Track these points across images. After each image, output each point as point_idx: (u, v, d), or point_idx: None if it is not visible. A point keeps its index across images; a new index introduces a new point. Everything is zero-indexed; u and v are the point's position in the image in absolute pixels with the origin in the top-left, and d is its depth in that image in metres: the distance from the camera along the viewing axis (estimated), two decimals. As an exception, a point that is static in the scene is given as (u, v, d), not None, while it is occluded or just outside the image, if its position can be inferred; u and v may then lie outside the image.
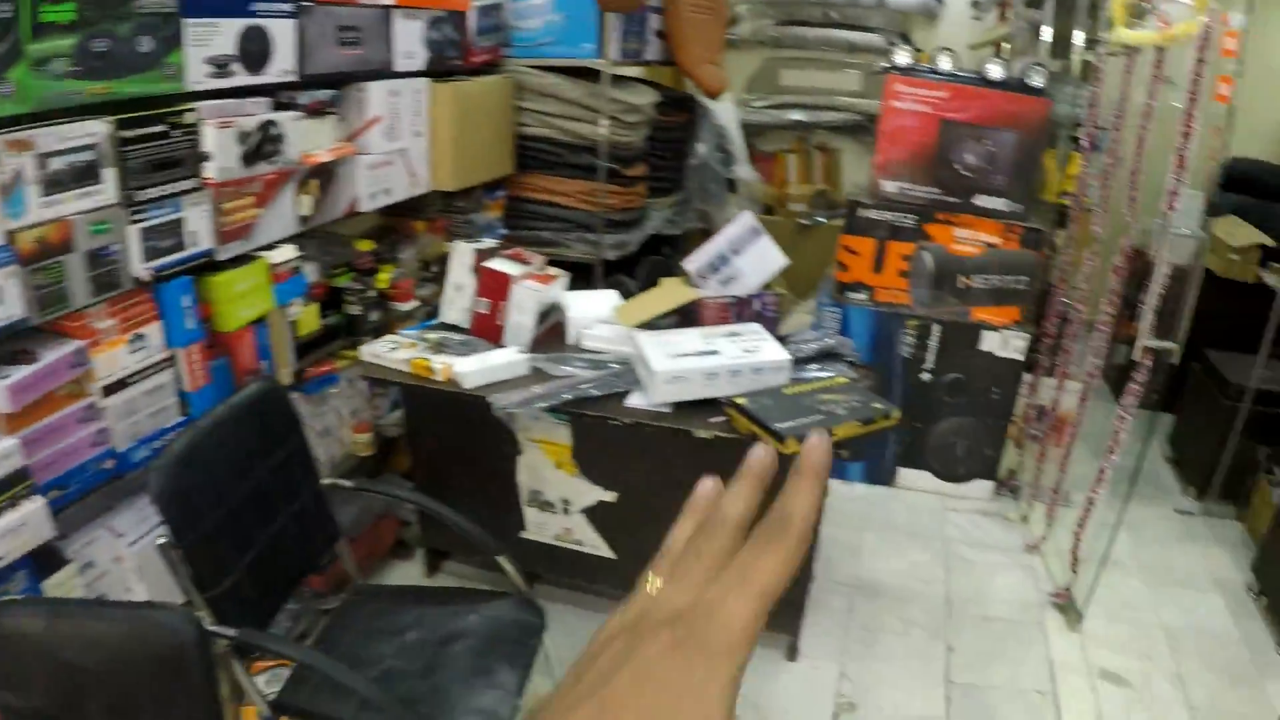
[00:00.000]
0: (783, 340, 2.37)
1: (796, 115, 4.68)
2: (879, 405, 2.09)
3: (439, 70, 2.65)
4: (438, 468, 2.54)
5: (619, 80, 3.09)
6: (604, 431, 2.14)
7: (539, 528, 2.47)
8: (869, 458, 3.38)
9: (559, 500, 2.41)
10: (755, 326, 2.42)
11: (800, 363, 2.34)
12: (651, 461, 2.24)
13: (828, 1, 4.52)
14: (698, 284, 2.69)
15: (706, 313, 2.54)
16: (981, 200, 3.01)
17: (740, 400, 2.02)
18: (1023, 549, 3.05)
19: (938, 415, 3.24)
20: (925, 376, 3.18)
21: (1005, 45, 3.83)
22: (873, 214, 3.05)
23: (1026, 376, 3.23)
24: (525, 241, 3.19)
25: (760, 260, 2.71)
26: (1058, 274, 3.14)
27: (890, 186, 3.06)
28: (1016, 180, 2.99)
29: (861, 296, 3.15)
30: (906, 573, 2.90)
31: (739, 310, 2.52)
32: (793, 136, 4.81)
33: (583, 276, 3.00)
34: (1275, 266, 3.68)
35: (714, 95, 3.69)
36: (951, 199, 3.03)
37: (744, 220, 2.72)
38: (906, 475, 3.37)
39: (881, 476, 3.39)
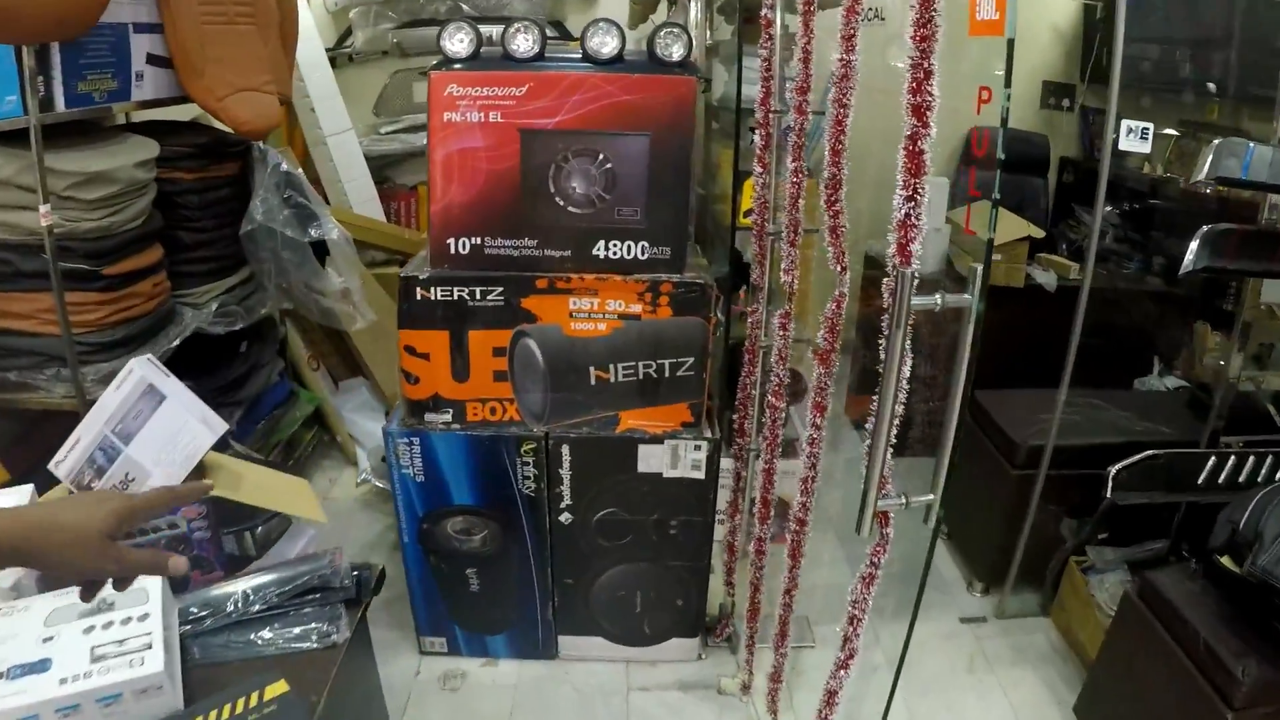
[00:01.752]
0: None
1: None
2: None
3: None
4: None
5: (98, 134, 1.86)
6: None
7: None
8: (511, 626, 2.27)
9: None
10: (142, 587, 1.23)
11: (242, 625, 1.19)
12: None
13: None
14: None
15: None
16: (604, 249, 1.84)
17: None
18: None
19: (592, 566, 2.14)
20: (565, 518, 2.06)
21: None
22: (438, 292, 1.84)
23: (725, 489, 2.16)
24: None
25: (171, 441, 1.50)
26: (750, 339, 2.02)
27: (459, 246, 1.84)
28: (656, 210, 1.82)
29: (445, 418, 1.97)
30: None
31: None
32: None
33: None
34: (1045, 259, 2.71)
35: (258, 134, 2.42)
36: (556, 253, 1.85)
37: (135, 377, 1.48)
38: (571, 644, 2.29)
39: (536, 648, 2.30)
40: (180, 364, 2.40)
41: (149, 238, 2.24)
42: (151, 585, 1.17)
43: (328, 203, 3.69)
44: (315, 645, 1.20)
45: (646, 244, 1.84)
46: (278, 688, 1.08)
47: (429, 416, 1.96)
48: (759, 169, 1.84)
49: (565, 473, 2.00)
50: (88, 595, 0.81)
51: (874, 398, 1.20)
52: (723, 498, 2.17)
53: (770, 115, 1.76)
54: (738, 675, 2.20)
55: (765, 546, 1.97)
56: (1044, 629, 2.43)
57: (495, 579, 2.17)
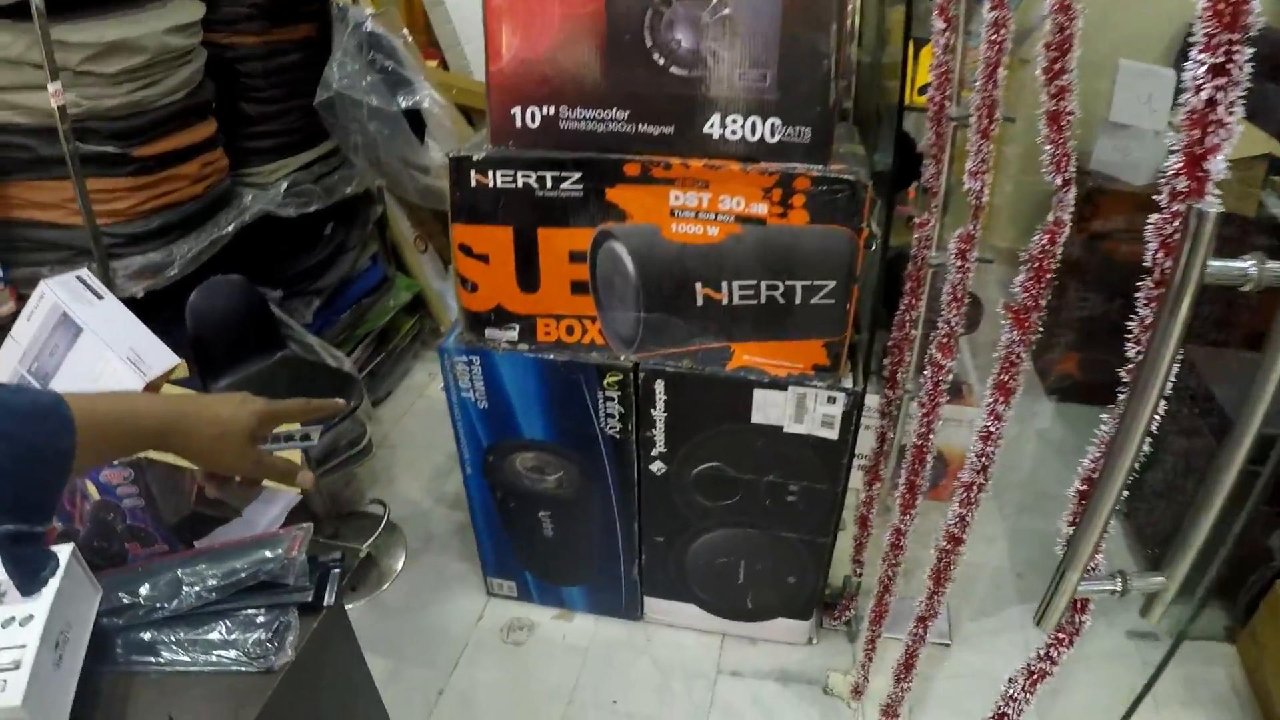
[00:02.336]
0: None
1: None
2: None
3: None
4: None
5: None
6: None
7: None
8: (590, 579, 1.92)
9: None
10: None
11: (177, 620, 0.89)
12: None
13: None
14: None
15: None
16: (718, 126, 1.35)
17: None
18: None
19: (689, 526, 1.74)
20: (657, 468, 1.66)
21: None
22: (498, 178, 1.42)
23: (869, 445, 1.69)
24: (29, 283, 1.79)
25: (92, 385, 1.18)
26: (916, 259, 1.50)
27: (526, 118, 1.40)
28: (792, 75, 1.31)
29: (510, 335, 1.57)
30: None
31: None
32: None
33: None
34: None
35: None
36: (654, 130, 1.37)
37: (47, 304, 1.17)
38: (659, 607, 1.93)
39: (619, 607, 1.95)
40: (249, 251, 2.12)
41: (197, 111, 1.93)
42: (58, 578, 0.85)
43: (446, 69, 3.31)
44: (248, 668, 0.86)
45: (778, 121, 1.34)
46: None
47: (491, 333, 1.57)
48: (940, 26, 1.29)
49: (658, 414, 1.58)
50: (217, 488, 0.81)
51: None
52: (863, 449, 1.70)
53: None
54: (850, 673, 1.78)
55: (913, 513, 1.49)
56: (1226, 661, 1.86)
57: (572, 526, 1.81)
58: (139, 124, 1.78)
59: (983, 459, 1.09)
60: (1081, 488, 0.80)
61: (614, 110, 1.37)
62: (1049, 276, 0.98)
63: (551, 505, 1.78)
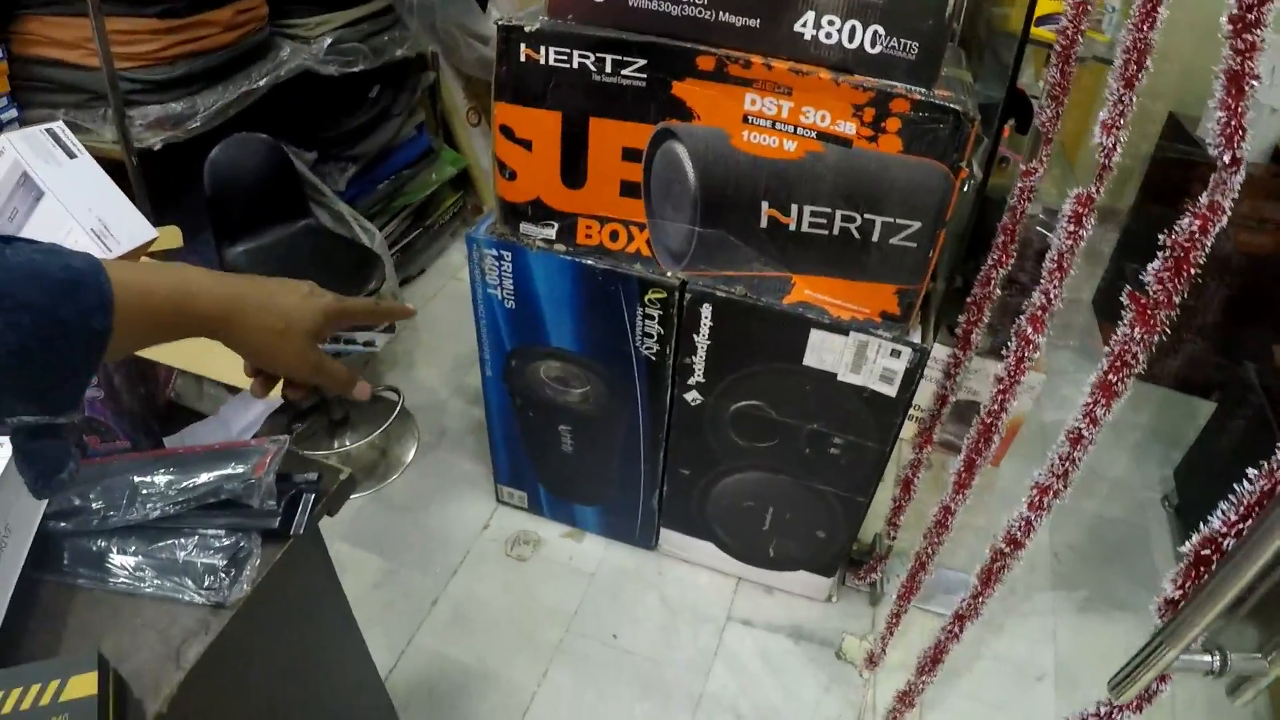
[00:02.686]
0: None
1: None
2: None
3: None
4: None
5: None
6: None
7: None
8: (606, 500, 1.81)
9: None
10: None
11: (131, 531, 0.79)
12: None
13: None
14: None
15: None
16: (812, 25, 1.15)
17: None
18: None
19: (719, 464, 1.61)
20: (693, 398, 1.52)
21: None
22: (551, 55, 1.23)
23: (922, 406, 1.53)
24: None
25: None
26: (1014, 211, 1.30)
27: (592, -24, 1.20)
28: (915, -31, 1.10)
29: (547, 233, 1.41)
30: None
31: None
32: None
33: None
34: None
35: None
36: (736, 20, 1.17)
37: (7, 161, 1.03)
38: (675, 540, 1.82)
39: (633, 534, 1.84)
40: (284, 108, 1.97)
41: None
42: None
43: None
44: (199, 598, 0.75)
45: (881, 30, 1.13)
46: (83, 686, 0.64)
47: (526, 228, 1.41)
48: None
49: (701, 341, 1.43)
50: (261, 388, 0.71)
51: None
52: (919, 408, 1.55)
53: None
54: (867, 639, 1.67)
55: (967, 493, 1.33)
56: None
57: (594, 445, 1.69)
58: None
59: (1066, 464, 0.93)
60: (1202, 550, 0.64)
61: (691, -11, 1.16)
62: (1192, 271, 0.80)
63: (573, 420, 1.66)
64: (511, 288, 1.48)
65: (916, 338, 1.32)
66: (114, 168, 1.79)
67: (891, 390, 1.36)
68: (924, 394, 1.59)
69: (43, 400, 0.50)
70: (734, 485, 1.63)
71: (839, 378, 1.38)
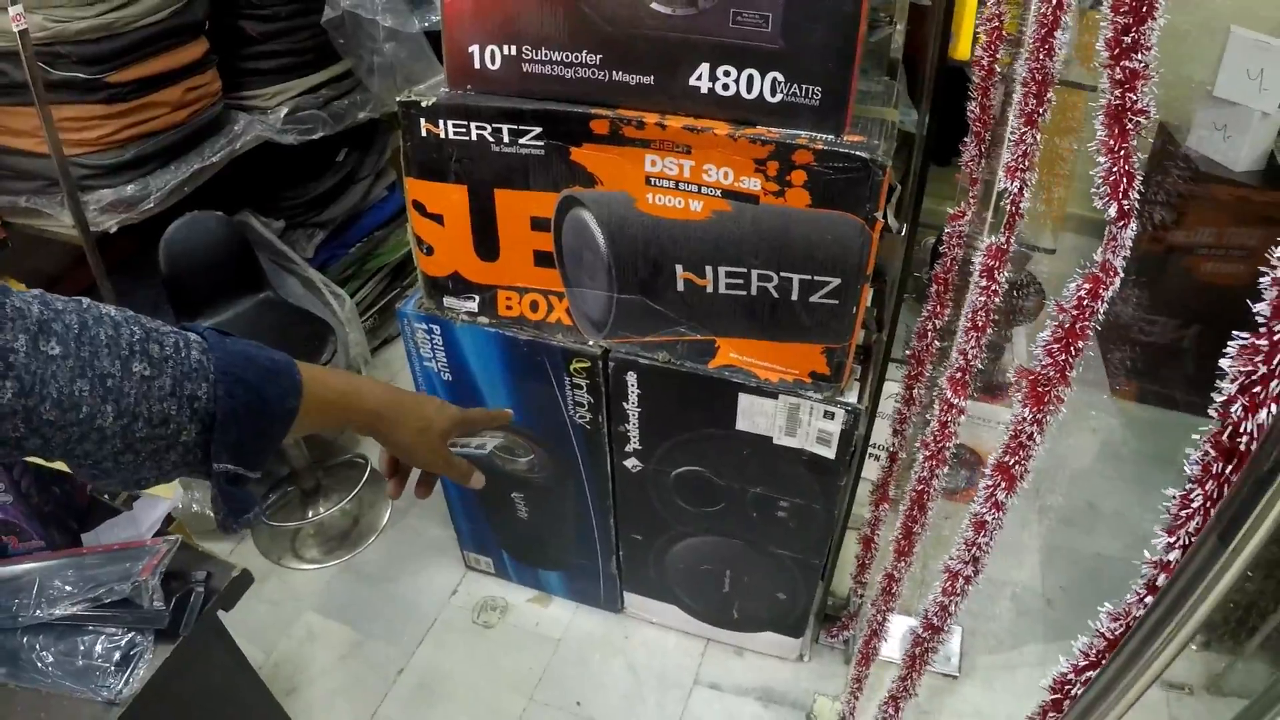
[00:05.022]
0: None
1: None
2: None
3: None
4: None
5: None
6: None
7: None
8: (567, 566, 1.77)
9: None
10: None
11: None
12: None
13: None
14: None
15: None
16: (707, 78, 1.10)
17: None
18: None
19: (669, 529, 1.55)
20: (632, 464, 1.47)
21: None
22: (449, 128, 1.21)
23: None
24: (9, 211, 1.76)
25: None
26: (944, 259, 1.24)
27: (486, 57, 1.17)
28: (801, 18, 1.04)
29: (469, 306, 1.38)
30: None
31: None
32: None
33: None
34: None
35: None
36: (630, 79, 1.13)
37: None
38: (640, 604, 1.76)
39: (598, 598, 1.79)
40: (247, 180, 1.98)
41: (184, 31, 1.76)
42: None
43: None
44: (93, 695, 0.74)
45: (780, 77, 1.08)
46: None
47: (449, 301, 1.38)
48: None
49: (632, 409, 1.38)
50: (396, 489, 0.85)
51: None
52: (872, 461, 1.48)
53: None
54: (839, 699, 1.59)
55: (924, 513, 1.26)
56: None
57: (547, 512, 1.65)
58: (112, 48, 1.64)
59: (974, 550, 0.85)
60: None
61: (583, 53, 1.13)
62: (1082, 342, 0.73)
63: (524, 488, 1.62)
64: (445, 360, 1.45)
65: (852, 397, 1.26)
66: (74, 251, 1.82)
67: (830, 452, 1.29)
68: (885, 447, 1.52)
69: (242, 456, 0.61)
70: (689, 549, 1.57)
71: (775, 441, 1.32)
